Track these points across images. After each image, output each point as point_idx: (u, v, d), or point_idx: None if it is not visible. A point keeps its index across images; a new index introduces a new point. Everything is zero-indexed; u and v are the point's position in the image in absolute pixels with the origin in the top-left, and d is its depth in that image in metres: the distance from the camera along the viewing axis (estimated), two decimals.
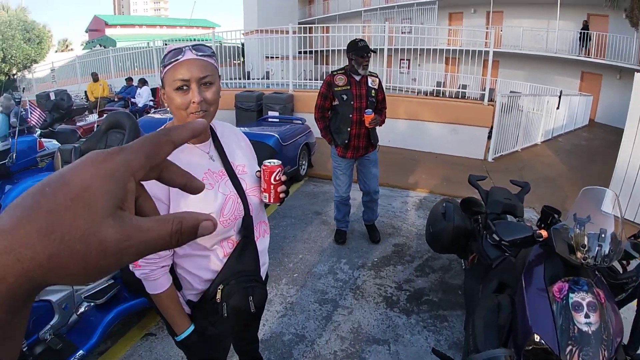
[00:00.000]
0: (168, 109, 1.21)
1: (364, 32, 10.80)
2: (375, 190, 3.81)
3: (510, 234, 1.81)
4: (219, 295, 1.28)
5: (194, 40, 10.46)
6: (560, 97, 9.56)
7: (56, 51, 25.61)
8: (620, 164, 4.99)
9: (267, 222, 1.50)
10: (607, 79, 15.36)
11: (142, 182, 0.35)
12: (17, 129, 4.19)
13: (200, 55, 1.17)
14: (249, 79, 10.45)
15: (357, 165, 3.76)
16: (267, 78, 9.85)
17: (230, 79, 9.73)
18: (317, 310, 2.93)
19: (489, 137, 7.22)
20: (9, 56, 18.79)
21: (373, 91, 3.51)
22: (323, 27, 9.17)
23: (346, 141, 3.52)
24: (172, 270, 1.32)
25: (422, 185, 5.72)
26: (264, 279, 1.47)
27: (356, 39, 3.44)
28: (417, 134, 7.55)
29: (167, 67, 1.16)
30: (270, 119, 6.83)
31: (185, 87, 1.15)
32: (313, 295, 3.09)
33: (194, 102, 1.15)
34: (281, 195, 1.35)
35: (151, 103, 9.52)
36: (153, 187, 1.04)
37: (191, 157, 1.25)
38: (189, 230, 0.32)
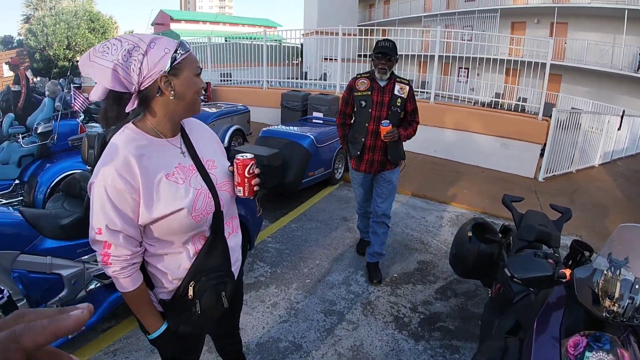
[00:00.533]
0: (172, 97, 1.17)
1: (422, 36, 10.37)
2: (385, 213, 3.32)
3: (523, 270, 1.56)
4: (190, 293, 1.27)
5: (252, 38, 10.58)
6: (622, 117, 8.74)
7: None
8: None
9: (238, 217, 1.49)
10: None
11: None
12: (61, 112, 4.45)
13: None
14: (305, 79, 10.47)
15: (374, 181, 3.37)
16: (324, 79, 9.81)
17: (287, 78, 9.76)
18: (320, 321, 2.77)
19: (542, 155, 6.69)
20: (74, 44, 20.01)
21: (399, 100, 3.09)
22: (381, 30, 8.96)
23: (358, 152, 3.17)
24: (143, 269, 1.28)
25: (461, 200, 5.37)
26: (236, 276, 1.46)
27: (383, 38, 3.11)
28: (464, 146, 7.14)
29: (185, 55, 1.17)
30: (313, 120, 6.75)
31: (198, 74, 1.22)
32: (321, 305, 2.94)
33: (202, 86, 1.24)
34: (255, 188, 1.36)
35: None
36: (120, 182, 1.11)
37: (163, 152, 1.23)
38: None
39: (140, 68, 1.10)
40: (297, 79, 10.15)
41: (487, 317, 2.39)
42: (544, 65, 6.75)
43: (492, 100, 8.34)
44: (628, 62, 14.56)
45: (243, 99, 8.49)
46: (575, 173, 7.49)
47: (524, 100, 7.98)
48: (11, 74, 7.53)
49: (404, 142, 3.23)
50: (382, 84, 3.08)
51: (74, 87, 6.14)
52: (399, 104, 3.09)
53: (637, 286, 1.33)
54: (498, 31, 17.52)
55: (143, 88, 1.13)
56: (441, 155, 7.34)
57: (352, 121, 3.27)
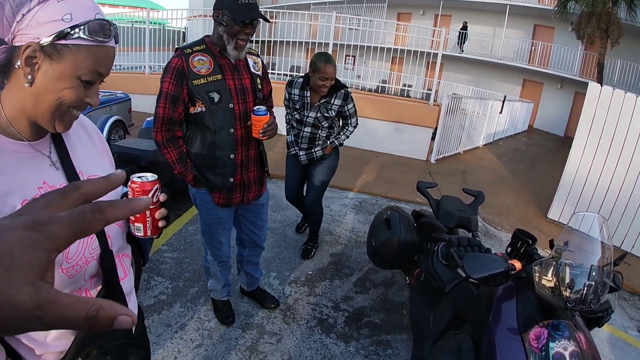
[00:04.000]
0: (28, 83, 0.74)
1: (311, 20, 10.28)
2: (265, 239, 2.53)
3: (480, 269, 1.45)
4: None
5: (132, 20, 9.43)
6: (504, 101, 9.78)
7: None
8: (568, 173, 4.95)
9: (130, 252, 1.06)
10: (548, 87, 16.28)
11: None
12: None
13: (116, 44, 0.81)
14: None
15: (239, 211, 2.32)
16: None
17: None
18: (239, 339, 2.43)
19: (433, 138, 7.09)
20: None
21: (258, 80, 2.06)
22: (268, 14, 8.64)
23: (231, 179, 2.05)
24: (4, 342, 0.84)
25: (362, 187, 5.38)
26: (135, 331, 1.05)
27: None
28: (359, 131, 7.17)
29: (88, 42, 0.74)
30: None
31: (91, 82, 0.78)
32: (236, 319, 2.58)
33: (90, 104, 0.81)
34: (160, 224, 0.93)
35: None
36: None
37: (20, 163, 0.79)
38: (104, 321, 0.31)
39: (24, 15, 0.70)
40: None
41: (417, 309, 2.30)
42: (434, 55, 7.08)
43: (378, 86, 8.60)
44: (510, 53, 16.34)
45: (123, 86, 7.51)
46: (463, 154, 8.13)
47: (409, 86, 8.37)
48: None
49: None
50: (232, 59, 1.97)
51: None
52: (260, 87, 2.08)
53: (593, 273, 1.29)
54: (385, 20, 18.34)
55: (14, 44, 0.72)
56: None
57: (183, 133, 2.06)
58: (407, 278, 2.88)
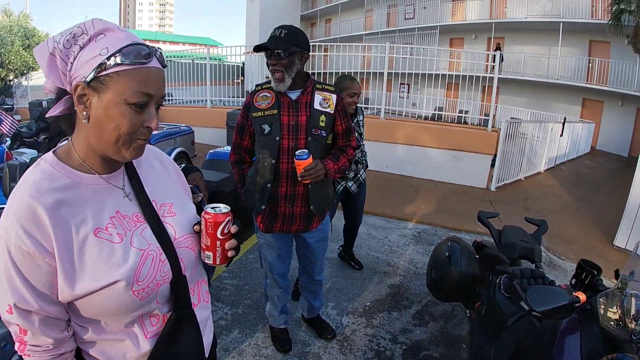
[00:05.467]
0: (85, 120, 0.81)
1: (364, 52, 10.51)
2: (321, 275, 2.59)
3: (543, 302, 1.40)
4: None
5: (193, 57, 10.18)
6: (564, 123, 9.31)
7: None
8: (634, 197, 4.57)
9: (206, 280, 1.09)
10: (609, 105, 15.30)
11: None
12: None
13: (162, 66, 0.85)
14: None
15: (297, 243, 2.45)
16: None
17: (230, 96, 9.47)
18: None
19: (492, 165, 6.86)
20: (7, 62, 18.42)
21: (323, 117, 2.09)
22: (322, 47, 8.96)
23: (263, 207, 2.16)
24: (80, 356, 0.93)
25: (421, 217, 5.30)
26: (209, 352, 1.08)
27: (280, 25, 2.05)
28: (416, 160, 7.18)
29: (125, 68, 0.78)
30: None
31: (142, 105, 0.81)
32: (292, 347, 2.62)
33: (149, 127, 0.83)
34: (229, 254, 0.98)
35: None
36: (28, 242, 0.77)
37: (94, 196, 0.86)
38: None
39: (72, 63, 0.79)
40: (240, 97, 9.87)
41: (478, 342, 2.21)
42: (490, 78, 6.96)
43: (434, 114, 8.53)
44: (566, 72, 15.68)
45: (186, 120, 8.06)
46: (524, 180, 7.78)
47: (465, 112, 8.23)
48: None
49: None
50: (293, 95, 2.08)
51: (1, 108, 5.50)
52: (323, 125, 2.10)
53: None
54: (437, 47, 18.29)
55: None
56: (393, 170, 7.32)
57: (250, 158, 2.30)
58: (468, 311, 2.78)
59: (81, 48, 0.79)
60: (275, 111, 2.04)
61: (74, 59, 0.79)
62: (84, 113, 0.80)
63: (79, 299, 0.83)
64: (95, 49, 0.78)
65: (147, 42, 0.85)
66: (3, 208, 0.85)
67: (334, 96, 2.15)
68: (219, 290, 3.23)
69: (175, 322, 0.94)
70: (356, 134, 3.13)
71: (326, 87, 2.17)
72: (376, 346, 2.69)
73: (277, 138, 2.03)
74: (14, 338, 0.84)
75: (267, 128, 2.04)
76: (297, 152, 1.93)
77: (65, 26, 0.85)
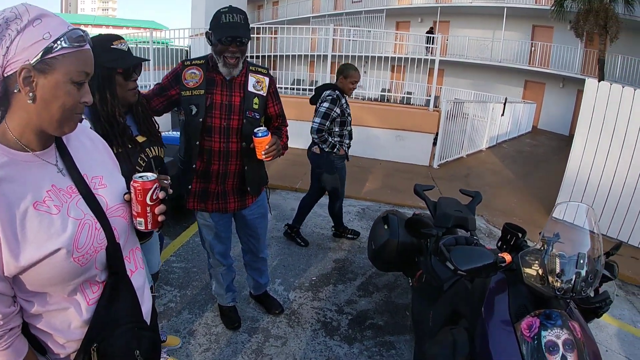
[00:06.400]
0: (30, 100, 0.85)
1: (312, 34, 10.42)
2: (265, 252, 2.64)
3: (468, 261, 1.49)
4: (95, 359, 0.97)
5: (136, 41, 9.63)
6: (505, 104, 9.81)
7: None
8: (570, 171, 4.95)
9: (140, 248, 1.18)
10: (551, 87, 16.32)
11: None
12: None
13: (90, 47, 0.94)
14: None
15: (236, 222, 2.44)
16: None
17: None
18: (245, 342, 2.49)
19: (434, 144, 7.15)
20: None
21: (256, 99, 2.10)
22: (270, 29, 8.81)
23: (189, 186, 2.16)
24: (27, 331, 0.96)
25: (365, 194, 5.45)
26: (149, 322, 1.15)
27: (227, 7, 1.97)
28: (361, 140, 7.27)
29: (70, 50, 0.86)
30: None
31: (82, 83, 0.90)
32: (242, 324, 2.64)
33: (86, 102, 0.92)
34: (159, 219, 1.07)
35: None
36: None
37: (30, 171, 0.91)
38: None
39: (8, 47, 0.82)
40: None
41: (417, 308, 2.35)
42: (432, 61, 7.17)
43: (379, 95, 8.69)
44: (510, 55, 16.46)
45: None
46: (466, 158, 8.17)
47: (410, 94, 8.46)
48: None
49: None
50: (227, 76, 2.06)
51: None
52: (256, 107, 2.10)
53: (581, 261, 1.33)
54: (384, 30, 18.50)
55: (7, 75, 0.83)
56: None
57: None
58: (410, 280, 2.92)
59: (18, 32, 0.82)
60: (202, 91, 2.01)
61: (10, 42, 0.81)
62: (30, 94, 0.84)
63: (24, 272, 0.86)
64: (35, 34, 0.82)
65: (85, 27, 0.86)
66: None
67: (267, 79, 2.16)
68: (168, 274, 3.17)
69: (113, 288, 1.00)
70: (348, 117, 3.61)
71: (259, 69, 2.18)
72: (323, 318, 2.77)
73: (200, 120, 2.02)
74: None
75: (194, 109, 2.02)
76: (255, 130, 1.95)
77: None
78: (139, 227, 1.06)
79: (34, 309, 0.92)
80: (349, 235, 4.06)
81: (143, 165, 1.66)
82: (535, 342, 1.32)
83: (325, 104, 3.42)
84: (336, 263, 3.55)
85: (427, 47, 8.16)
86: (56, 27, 0.85)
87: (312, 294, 3.05)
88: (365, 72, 9.65)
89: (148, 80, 8.72)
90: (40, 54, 0.82)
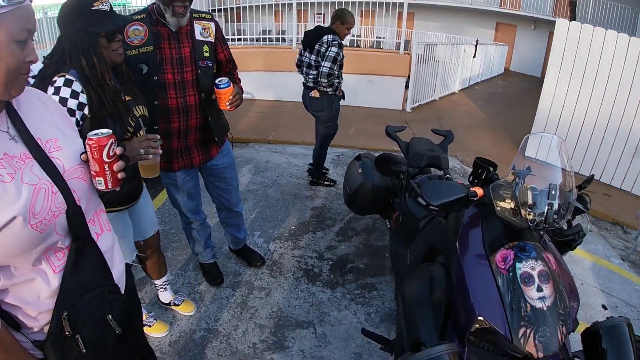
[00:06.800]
0: None
1: None
2: (239, 204, 2.60)
3: (439, 196, 1.49)
4: (67, 328, 0.93)
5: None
6: (476, 45, 9.71)
7: None
8: (542, 110, 5.02)
9: (104, 209, 1.13)
10: (522, 29, 16.18)
11: None
12: None
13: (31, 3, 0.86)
14: None
15: (204, 175, 2.40)
16: None
17: None
18: (230, 297, 2.52)
19: (407, 87, 7.08)
20: None
21: (206, 47, 2.02)
22: None
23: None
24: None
25: (339, 141, 5.35)
26: (124, 286, 1.15)
27: None
28: None
29: (10, 8, 0.80)
30: None
31: (25, 41, 0.84)
32: (225, 279, 2.66)
33: (31, 60, 0.87)
34: (119, 176, 1.03)
35: None
36: None
37: None
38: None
39: None
40: None
41: (395, 248, 2.39)
42: (402, 5, 6.95)
43: (350, 40, 8.43)
44: None
45: None
46: (439, 100, 8.16)
47: (379, 38, 8.27)
48: None
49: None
50: (173, 27, 1.92)
51: None
52: (207, 55, 2.03)
53: (553, 192, 1.34)
54: None
55: None
56: None
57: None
58: (387, 222, 2.97)
59: None
60: (151, 47, 1.87)
61: None
62: None
63: None
64: None
65: None
66: None
67: (212, 24, 2.07)
68: None
69: (77, 252, 0.96)
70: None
71: (203, 15, 2.08)
72: (304, 265, 2.81)
73: (155, 77, 1.90)
74: None
75: (144, 68, 1.88)
76: (217, 82, 1.91)
77: None
78: (99, 187, 1.02)
79: (1, 284, 0.89)
80: (325, 183, 4.06)
81: (133, 125, 1.60)
82: (511, 274, 1.33)
83: (334, 49, 3.45)
84: (314, 211, 3.57)
85: None
86: None
87: (292, 243, 3.08)
88: None
89: None
90: None
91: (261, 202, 3.69)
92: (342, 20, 3.55)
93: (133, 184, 1.77)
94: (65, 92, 1.43)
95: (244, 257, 2.83)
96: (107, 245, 1.07)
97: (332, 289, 2.60)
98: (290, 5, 7.44)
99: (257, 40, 8.12)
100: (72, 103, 1.44)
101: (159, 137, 1.37)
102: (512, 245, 1.39)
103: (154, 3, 1.93)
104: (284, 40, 8.41)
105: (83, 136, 1.39)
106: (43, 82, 1.46)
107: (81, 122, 1.47)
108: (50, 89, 1.43)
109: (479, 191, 1.54)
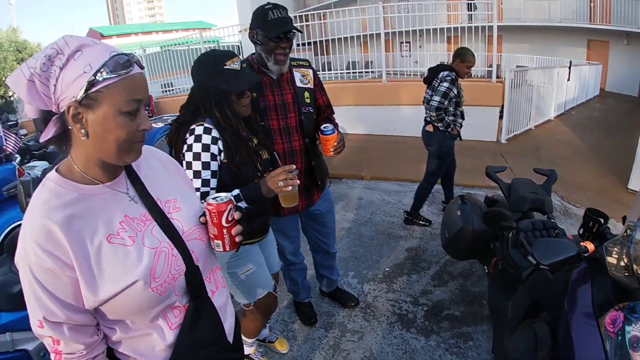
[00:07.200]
0: (84, 137, 0.83)
1: (360, 15, 10.27)
2: (334, 245, 2.65)
3: (550, 255, 1.42)
4: None
5: (188, 43, 10.01)
6: (570, 67, 9.05)
7: None
8: None
9: (219, 267, 1.17)
10: (615, 45, 14.69)
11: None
12: None
13: (141, 69, 0.87)
14: None
15: (303, 219, 2.46)
16: None
17: None
18: (322, 338, 2.57)
19: (501, 117, 6.76)
20: (2, 78, 18.01)
21: (306, 93, 2.12)
22: (319, 14, 8.75)
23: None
24: (112, 354, 0.98)
25: None
26: (233, 338, 1.15)
27: (268, 4, 1.97)
28: (421, 120, 7.09)
29: (114, 79, 0.80)
30: None
31: (134, 111, 0.84)
32: (318, 319, 2.72)
33: (144, 129, 0.87)
34: (237, 240, 1.05)
35: None
36: (47, 259, 0.80)
37: (102, 205, 0.90)
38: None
39: (55, 85, 0.79)
40: None
41: (495, 298, 2.27)
42: (490, 28, 6.78)
43: None
44: (569, 14, 15.04)
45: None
46: (535, 129, 7.67)
47: None
48: None
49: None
50: (273, 75, 2.05)
51: (3, 127, 5.38)
52: (309, 101, 2.12)
53: None
54: (435, 1, 17.77)
55: (62, 111, 0.82)
56: (402, 133, 7.28)
57: None
58: (485, 267, 2.83)
59: (61, 69, 0.79)
60: (254, 95, 1.94)
61: (56, 80, 0.79)
62: (82, 131, 0.82)
63: (103, 304, 0.86)
64: (77, 68, 0.79)
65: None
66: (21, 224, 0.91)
67: (310, 71, 2.17)
68: None
69: (194, 312, 0.99)
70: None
71: (301, 62, 2.17)
72: (398, 310, 2.77)
73: (262, 123, 1.99)
74: (49, 350, 0.88)
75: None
76: (322, 128, 1.97)
77: (56, 32, 0.87)
78: (216, 249, 1.05)
79: (116, 336, 0.93)
80: (420, 222, 3.99)
81: (261, 168, 1.71)
82: (619, 338, 1.21)
83: (445, 84, 3.53)
84: (409, 252, 3.52)
85: (470, 14, 7.71)
86: (97, 57, 0.80)
87: (386, 285, 3.06)
88: (420, 46, 9.31)
89: None
90: (83, 89, 0.78)
91: (355, 241, 3.74)
92: (462, 58, 3.59)
93: (263, 219, 1.88)
94: (207, 139, 1.56)
95: (337, 298, 2.87)
96: (222, 301, 1.10)
97: (426, 336, 2.52)
98: (378, 35, 7.55)
99: (346, 74, 8.35)
100: (214, 148, 1.57)
101: (294, 167, 1.44)
102: (622, 307, 1.27)
103: (253, 53, 2.09)
104: (372, 72, 8.56)
105: (222, 179, 1.61)
106: (182, 127, 1.61)
107: (219, 166, 1.60)
108: (191, 137, 1.56)
109: (590, 247, 1.44)
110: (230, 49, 9.77)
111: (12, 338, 2.01)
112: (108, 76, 0.79)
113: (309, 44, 8.83)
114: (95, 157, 0.87)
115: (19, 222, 3.60)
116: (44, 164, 5.45)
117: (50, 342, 0.87)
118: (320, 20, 8.29)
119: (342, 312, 2.78)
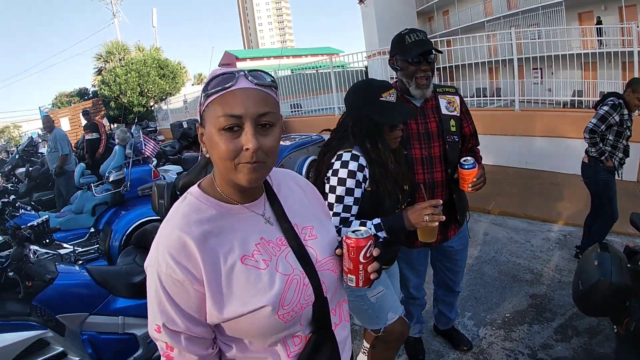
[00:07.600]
0: (207, 155, 0.89)
1: (489, 41, 10.02)
2: (459, 283, 2.57)
3: None
4: None
5: (317, 67, 10.67)
6: None
7: (192, 84, 28.51)
8: None
9: (347, 300, 1.13)
10: None
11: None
12: (132, 159, 4.63)
13: (258, 85, 0.84)
14: None
15: (433, 253, 2.40)
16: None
17: None
18: None
19: None
20: (146, 90, 20.92)
21: (452, 121, 2.03)
22: (445, 41, 8.77)
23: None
24: None
25: (566, 217, 4.93)
26: None
27: (406, 30, 1.95)
28: (557, 153, 6.60)
29: (212, 97, 0.83)
30: None
31: (236, 128, 0.82)
32: (426, 357, 2.72)
33: (247, 148, 0.81)
34: (372, 277, 1.01)
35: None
36: (178, 271, 0.83)
37: (238, 224, 0.92)
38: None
39: (198, 108, 0.90)
40: None
41: None
42: (631, 53, 6.16)
43: (572, 100, 7.69)
44: None
45: (316, 129, 8.65)
46: None
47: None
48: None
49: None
50: (417, 102, 2.01)
51: (143, 132, 6.16)
52: (454, 129, 2.03)
53: None
54: (565, 25, 16.50)
55: None
56: (533, 166, 6.87)
57: None
58: (615, 327, 2.62)
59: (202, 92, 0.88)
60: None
61: (199, 104, 0.89)
62: (204, 149, 0.89)
63: (226, 322, 0.86)
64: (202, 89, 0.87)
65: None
66: (152, 221, 1.09)
67: (457, 98, 2.11)
68: None
69: (315, 343, 0.95)
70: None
71: (447, 89, 2.12)
72: None
73: (405, 152, 1.93)
74: (160, 353, 0.89)
75: None
76: (462, 161, 1.89)
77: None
78: (349, 284, 1.02)
79: (232, 353, 0.92)
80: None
81: (402, 199, 1.72)
82: None
83: (605, 108, 3.45)
84: (533, 299, 3.36)
85: (599, 40, 6.97)
86: (210, 78, 0.84)
87: (504, 332, 2.99)
88: (552, 73, 8.73)
89: (332, 103, 9.54)
90: (201, 109, 0.86)
91: (476, 279, 3.69)
92: (633, 88, 3.46)
93: (394, 248, 1.85)
94: (353, 165, 1.57)
95: (450, 338, 2.83)
96: (343, 335, 1.06)
97: None
98: (510, 61, 7.26)
99: (477, 102, 8.15)
100: (360, 176, 1.58)
101: (440, 202, 1.44)
102: None
103: (395, 80, 2.09)
104: (503, 99, 8.26)
105: (363, 206, 1.63)
106: (329, 151, 1.63)
107: (362, 193, 1.61)
108: (338, 162, 1.58)
109: None
110: (359, 72, 10.29)
111: (124, 322, 2.22)
112: (210, 92, 0.83)
113: (437, 69, 8.87)
114: (225, 176, 0.90)
115: (147, 219, 4.14)
116: (177, 168, 6.23)
117: (163, 347, 0.87)
118: (447, 46, 8.27)
119: (452, 354, 2.78)
